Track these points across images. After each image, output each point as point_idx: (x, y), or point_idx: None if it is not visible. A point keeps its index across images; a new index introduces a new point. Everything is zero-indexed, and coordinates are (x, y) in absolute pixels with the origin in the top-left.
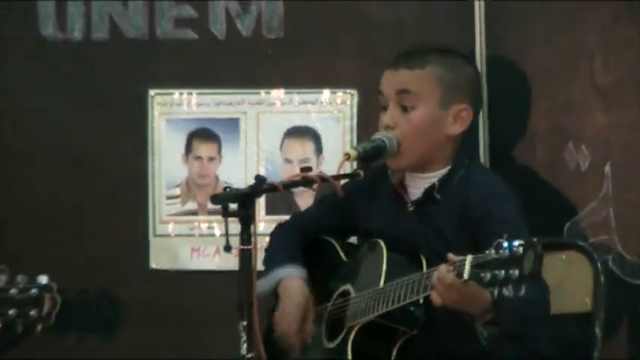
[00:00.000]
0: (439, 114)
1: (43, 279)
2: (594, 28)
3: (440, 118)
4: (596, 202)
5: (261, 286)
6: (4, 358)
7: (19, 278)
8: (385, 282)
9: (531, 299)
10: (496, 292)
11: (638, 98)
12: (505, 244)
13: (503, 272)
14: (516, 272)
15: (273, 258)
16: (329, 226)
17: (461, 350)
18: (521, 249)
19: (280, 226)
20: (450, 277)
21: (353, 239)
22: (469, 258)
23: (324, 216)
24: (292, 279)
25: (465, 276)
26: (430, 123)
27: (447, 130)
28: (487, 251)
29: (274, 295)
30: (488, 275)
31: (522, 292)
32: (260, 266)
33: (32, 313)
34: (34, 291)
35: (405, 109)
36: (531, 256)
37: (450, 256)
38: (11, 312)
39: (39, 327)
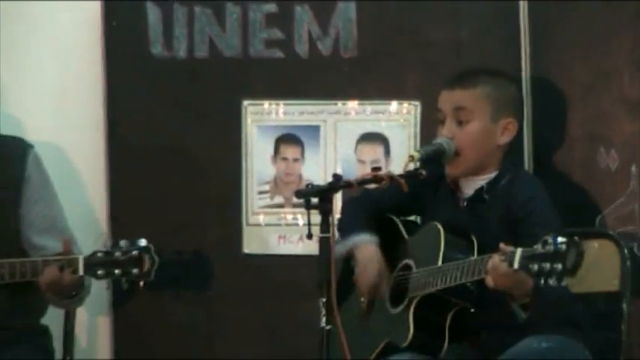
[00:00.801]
0: (490, 127)
1: (143, 242)
2: (623, 49)
3: (491, 130)
4: (624, 198)
5: (337, 250)
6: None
7: (122, 242)
8: (443, 261)
9: (561, 290)
10: (542, 282)
11: None
12: (550, 240)
13: (548, 265)
14: (560, 266)
15: (348, 225)
16: (393, 207)
17: (504, 321)
18: (564, 246)
19: (352, 199)
20: (503, 266)
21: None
22: (519, 250)
23: (391, 197)
24: (368, 244)
25: (515, 266)
26: (483, 134)
27: (496, 140)
28: (535, 246)
29: (346, 259)
30: (535, 267)
31: (564, 283)
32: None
33: (134, 271)
34: (134, 252)
35: (460, 123)
36: (574, 253)
37: (502, 246)
38: (117, 271)
39: (141, 283)
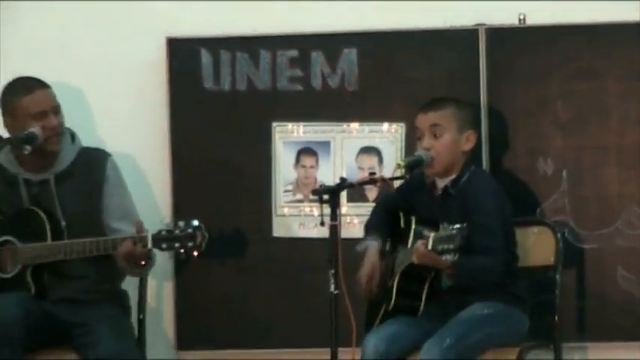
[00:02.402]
0: (457, 137)
1: (195, 222)
2: (556, 83)
3: (458, 139)
4: (557, 195)
5: (358, 247)
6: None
7: (180, 222)
8: (411, 245)
9: (477, 267)
10: (444, 257)
11: (584, 130)
12: (449, 227)
13: (445, 246)
14: (451, 246)
15: (367, 231)
16: (398, 204)
17: (463, 290)
18: (454, 231)
19: (376, 206)
20: (422, 248)
21: None
22: (432, 235)
23: (394, 200)
24: (371, 248)
25: (429, 247)
26: (453, 143)
27: (462, 147)
28: (441, 231)
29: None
30: (439, 247)
31: (456, 257)
32: (343, 234)
33: (190, 244)
34: (190, 230)
35: (435, 136)
36: (459, 236)
37: (425, 233)
38: (176, 245)
39: (195, 254)
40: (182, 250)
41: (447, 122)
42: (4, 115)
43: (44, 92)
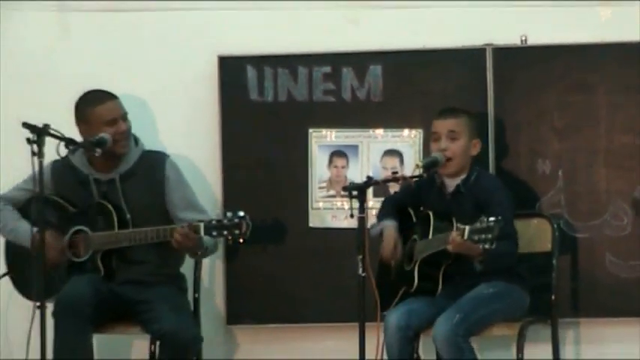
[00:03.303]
0: (468, 143)
1: (241, 212)
2: (553, 96)
3: (468, 145)
4: (553, 192)
5: (374, 230)
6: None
7: (228, 213)
8: (433, 235)
9: (503, 252)
10: (481, 245)
11: (577, 135)
12: (486, 220)
13: (483, 236)
14: (489, 236)
15: (381, 215)
16: (407, 201)
17: (468, 271)
18: (492, 223)
19: (385, 200)
20: (458, 238)
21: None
22: (467, 227)
23: (405, 196)
24: (390, 226)
25: (465, 237)
26: (465, 148)
27: (471, 152)
28: (478, 223)
29: (379, 237)
30: (476, 237)
31: (494, 246)
32: (369, 225)
33: (236, 232)
34: (236, 220)
35: (452, 140)
36: (497, 227)
37: (458, 225)
38: (225, 232)
39: (240, 240)
40: (229, 237)
41: (462, 129)
42: (78, 122)
43: (114, 102)
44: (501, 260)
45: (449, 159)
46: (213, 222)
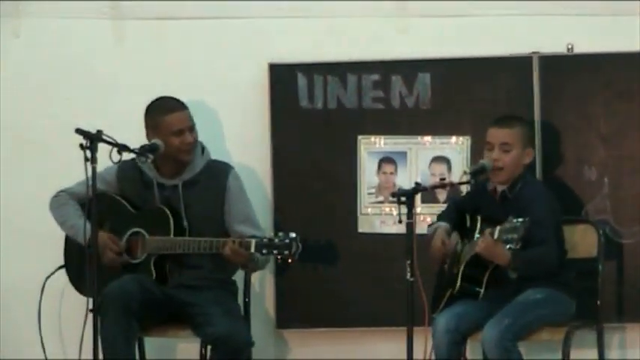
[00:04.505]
0: (521, 153)
1: (293, 234)
2: (599, 103)
3: (521, 155)
4: (599, 198)
5: (429, 230)
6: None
7: (280, 233)
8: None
9: (537, 258)
10: (508, 246)
11: (623, 142)
12: (513, 220)
13: (509, 236)
14: (515, 235)
15: (439, 218)
16: (465, 206)
17: (517, 278)
18: (518, 223)
19: (448, 204)
20: (489, 237)
21: None
22: (498, 227)
23: (463, 201)
24: (442, 228)
25: (495, 236)
26: (517, 159)
27: (523, 161)
28: (507, 223)
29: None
30: (503, 237)
31: (519, 246)
32: (417, 230)
33: (286, 252)
34: (287, 240)
35: (505, 151)
36: (522, 229)
37: (489, 229)
38: (275, 251)
39: (290, 260)
40: (279, 257)
41: (515, 140)
42: (147, 127)
43: (183, 113)
44: (536, 266)
45: (500, 168)
46: (265, 240)
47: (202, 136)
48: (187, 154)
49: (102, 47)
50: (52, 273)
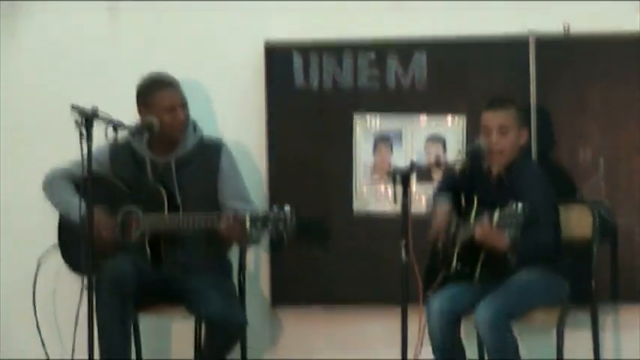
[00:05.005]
0: (517, 134)
1: (287, 207)
2: (595, 87)
3: (517, 136)
4: (595, 179)
5: (429, 204)
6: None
7: (274, 207)
8: (473, 221)
9: (535, 241)
10: (507, 231)
11: (618, 125)
12: (513, 206)
13: (509, 220)
14: (514, 220)
15: (436, 195)
16: (459, 185)
17: (511, 262)
18: (519, 210)
19: (441, 182)
20: (486, 222)
21: None
22: (497, 212)
23: (457, 180)
24: (442, 202)
25: (495, 220)
26: (514, 140)
27: (519, 143)
28: (506, 209)
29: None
30: (502, 222)
31: (518, 232)
32: (413, 210)
33: (280, 225)
34: (281, 214)
35: (503, 134)
36: (521, 215)
37: (487, 214)
38: (269, 225)
39: (284, 235)
40: (273, 230)
41: (512, 122)
42: (138, 105)
43: (175, 89)
44: (535, 250)
45: (500, 152)
46: (259, 214)
47: (198, 114)
48: (179, 131)
49: (96, 26)
50: (47, 251)
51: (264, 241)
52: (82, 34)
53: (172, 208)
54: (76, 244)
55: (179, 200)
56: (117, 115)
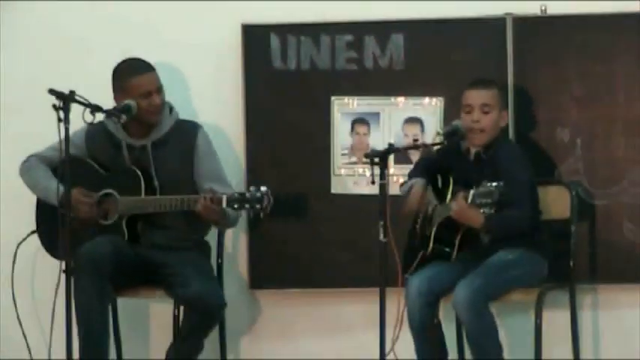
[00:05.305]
0: (498, 115)
1: (264, 188)
2: (572, 64)
3: (498, 117)
4: (572, 159)
5: (403, 189)
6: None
7: (251, 187)
8: (450, 201)
9: (508, 218)
10: (482, 210)
11: (596, 104)
12: (488, 184)
13: (484, 200)
14: (489, 200)
15: (411, 175)
16: (435, 166)
17: (490, 240)
18: (493, 188)
19: (416, 163)
20: (462, 200)
21: None
22: (472, 191)
23: (433, 161)
24: (419, 183)
25: (469, 201)
26: (496, 120)
27: (500, 123)
28: (481, 187)
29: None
30: (477, 201)
31: (493, 210)
32: (390, 191)
33: (257, 206)
34: (258, 194)
35: (485, 112)
36: (496, 193)
37: (463, 192)
38: (246, 206)
39: (262, 214)
40: (251, 211)
41: (494, 102)
42: (114, 90)
43: (151, 74)
44: (508, 228)
45: (481, 130)
46: (236, 195)
47: (175, 97)
48: (155, 115)
49: (73, 7)
50: (25, 239)
51: (243, 224)
52: (59, 20)
53: (149, 190)
54: (53, 229)
55: (156, 182)
56: (92, 97)
